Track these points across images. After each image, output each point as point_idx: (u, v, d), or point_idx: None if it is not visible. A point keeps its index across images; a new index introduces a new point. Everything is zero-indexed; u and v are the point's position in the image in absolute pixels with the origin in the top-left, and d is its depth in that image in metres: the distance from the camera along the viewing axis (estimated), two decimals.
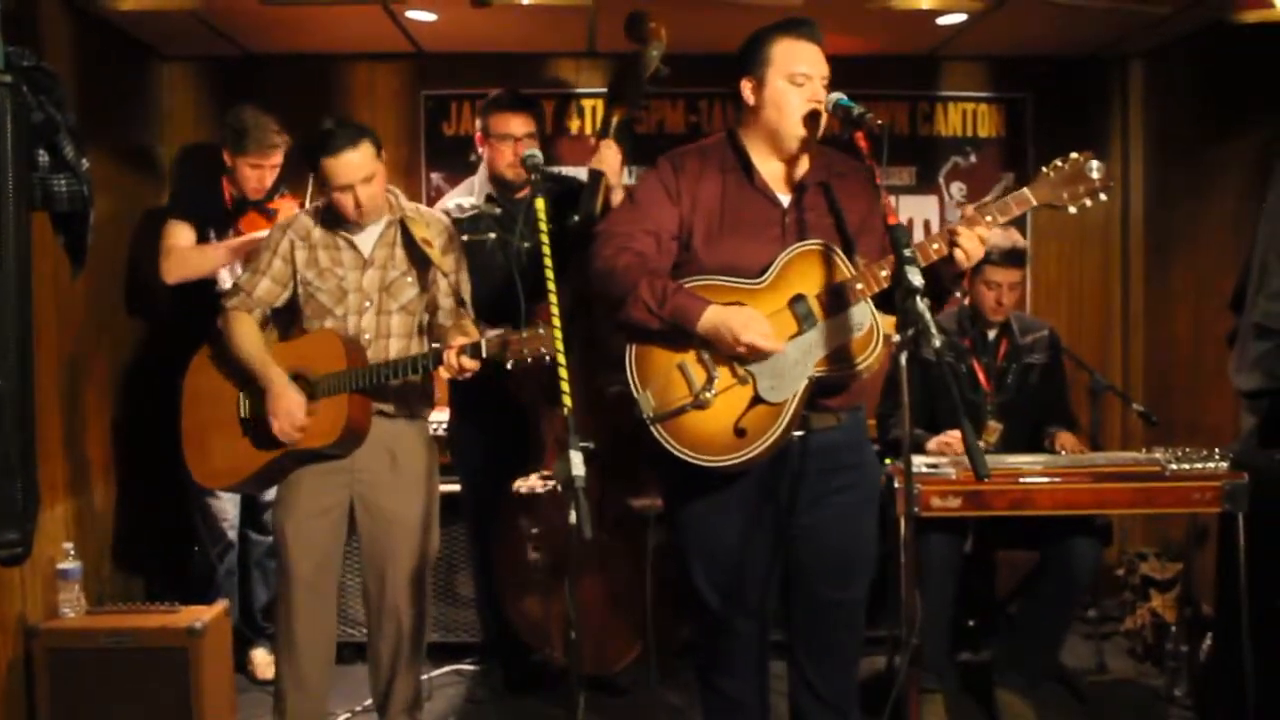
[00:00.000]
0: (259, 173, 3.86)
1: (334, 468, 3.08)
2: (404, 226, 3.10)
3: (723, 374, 2.54)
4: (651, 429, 2.56)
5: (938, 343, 2.20)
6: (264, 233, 3.52)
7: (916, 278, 2.25)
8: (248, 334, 3.09)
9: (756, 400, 2.53)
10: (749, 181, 2.66)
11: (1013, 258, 3.71)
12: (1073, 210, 2.51)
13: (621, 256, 2.60)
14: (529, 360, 2.84)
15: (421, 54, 4.68)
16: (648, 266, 2.60)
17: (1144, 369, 4.90)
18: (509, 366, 2.89)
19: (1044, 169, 2.53)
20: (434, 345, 3.09)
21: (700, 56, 4.26)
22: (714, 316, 2.50)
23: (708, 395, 2.53)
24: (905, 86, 4.87)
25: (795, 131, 2.60)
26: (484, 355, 2.89)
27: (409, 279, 3.10)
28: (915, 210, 4.87)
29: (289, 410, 2.98)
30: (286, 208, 3.88)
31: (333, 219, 3.10)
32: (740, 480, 2.62)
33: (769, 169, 2.68)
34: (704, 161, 2.69)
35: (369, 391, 3.01)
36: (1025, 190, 2.52)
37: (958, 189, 4.90)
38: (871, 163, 2.48)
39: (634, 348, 2.61)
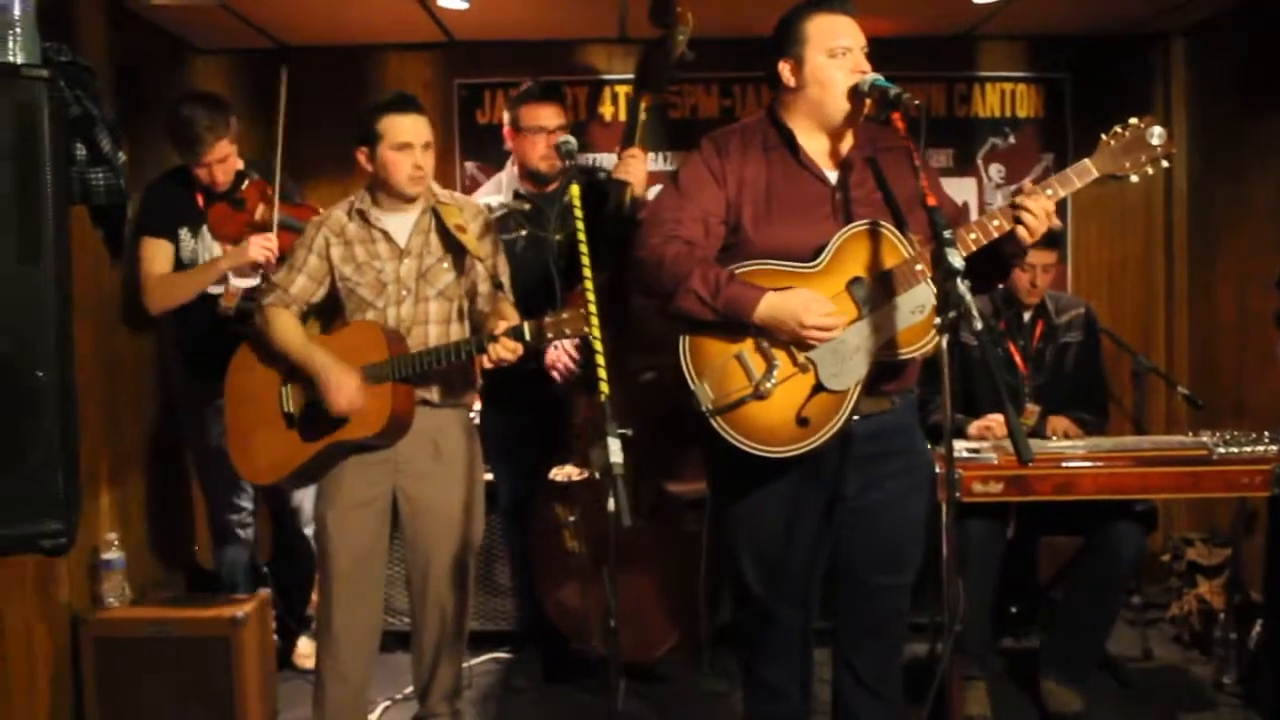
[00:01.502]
0: (206, 170, 3.65)
1: (377, 459, 3.08)
2: (436, 214, 3.09)
3: (783, 363, 2.49)
4: (711, 421, 2.50)
5: (979, 325, 2.16)
6: (254, 248, 3.46)
7: (957, 259, 2.20)
8: (288, 327, 3.09)
9: (819, 388, 2.48)
10: (794, 159, 2.60)
11: (1047, 239, 3.64)
12: (1135, 179, 2.47)
13: (670, 246, 2.53)
14: (556, 345, 2.84)
15: (453, 42, 4.68)
16: (696, 255, 2.53)
17: (1188, 351, 4.82)
18: (568, 365, 2.91)
19: (1104, 137, 2.48)
20: (476, 331, 3.08)
21: (733, 40, 4.24)
22: (771, 305, 2.45)
23: (768, 385, 2.47)
24: (942, 67, 4.81)
25: (841, 105, 2.54)
26: (526, 338, 2.88)
27: (445, 265, 3.10)
28: (953, 192, 4.72)
29: (344, 385, 2.96)
30: (254, 196, 3.69)
31: (365, 211, 3.09)
32: (791, 468, 2.57)
33: (814, 145, 2.61)
34: (746, 141, 2.63)
35: (412, 380, 3.01)
36: (1086, 161, 2.47)
37: (996, 170, 4.84)
38: (909, 143, 2.43)
39: (687, 338, 2.54)
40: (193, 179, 3.70)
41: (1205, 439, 3.27)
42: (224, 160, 3.64)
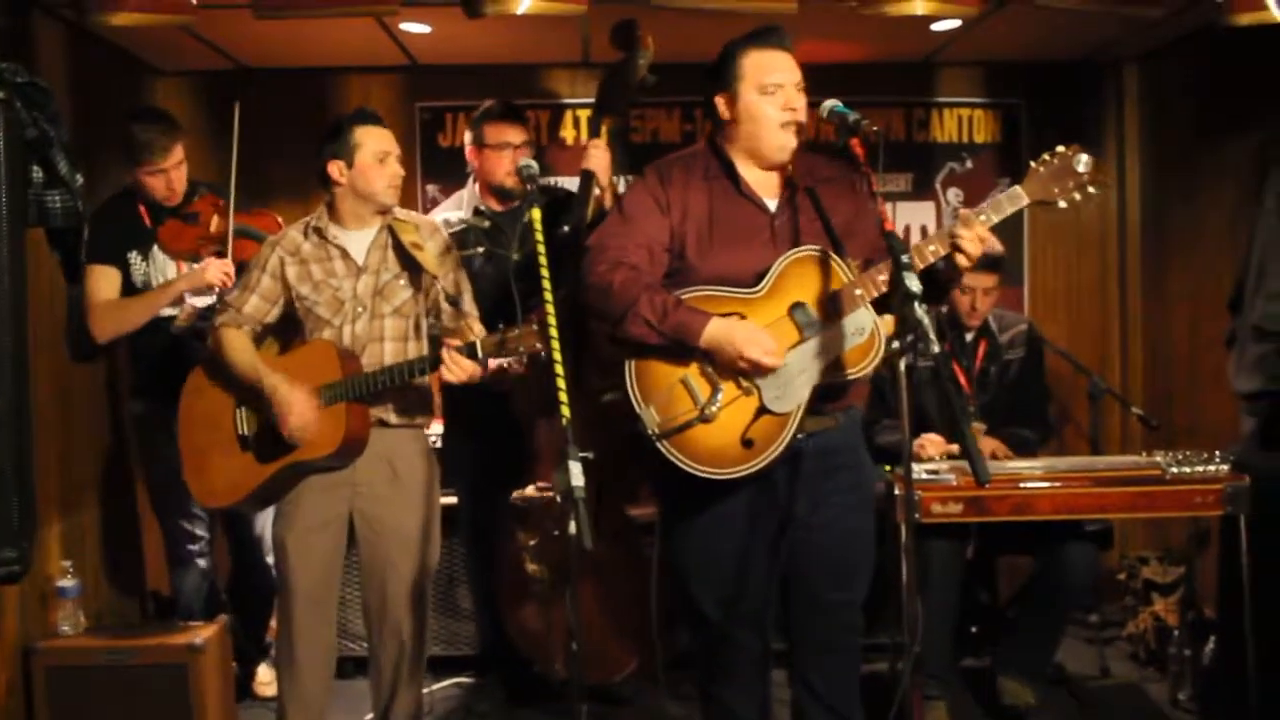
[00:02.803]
0: (163, 178, 3.61)
1: (334, 480, 3.06)
2: (393, 231, 3.09)
3: (727, 387, 2.54)
4: (658, 445, 2.55)
5: (936, 348, 2.20)
6: (211, 271, 3.42)
7: (915, 283, 2.25)
8: (241, 348, 3.07)
9: (763, 411, 2.53)
10: (735, 189, 2.67)
11: (988, 263, 3.72)
12: (1063, 205, 2.51)
13: (617, 272, 2.59)
14: (524, 357, 2.83)
15: (416, 66, 4.69)
16: (643, 281, 2.59)
17: (1143, 372, 4.90)
18: (505, 364, 2.90)
19: (1033, 164, 2.52)
20: (435, 350, 3.06)
21: (694, 65, 4.24)
22: (716, 331, 2.50)
23: (713, 409, 2.53)
24: (901, 92, 4.87)
25: (772, 140, 2.62)
26: (480, 355, 2.87)
27: (401, 282, 3.09)
28: (912, 216, 4.87)
29: (300, 408, 2.95)
30: (207, 209, 3.66)
31: (321, 229, 3.08)
32: (740, 489, 2.61)
33: (753, 176, 2.68)
34: (689, 170, 2.70)
35: (366, 399, 2.99)
36: (1017, 188, 2.51)
37: (954, 195, 4.90)
38: (868, 169, 2.49)
39: (634, 363, 2.60)
40: (137, 200, 3.65)
41: (1159, 459, 3.32)
42: (178, 166, 3.61)
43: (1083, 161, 2.47)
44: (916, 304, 2.22)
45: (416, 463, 3.14)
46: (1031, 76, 4.87)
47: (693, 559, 2.72)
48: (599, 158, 3.49)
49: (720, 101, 2.67)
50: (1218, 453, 3.28)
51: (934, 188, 4.91)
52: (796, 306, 2.55)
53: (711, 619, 2.72)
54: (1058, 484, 3.30)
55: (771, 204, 2.68)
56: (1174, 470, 3.25)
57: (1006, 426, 3.81)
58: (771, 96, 2.60)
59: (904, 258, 2.30)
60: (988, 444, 3.74)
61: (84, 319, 3.62)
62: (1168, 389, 4.67)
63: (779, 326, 2.53)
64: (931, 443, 3.60)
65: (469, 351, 2.87)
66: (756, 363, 2.48)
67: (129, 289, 3.65)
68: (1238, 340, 3.29)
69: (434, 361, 2.91)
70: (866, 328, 2.51)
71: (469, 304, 3.17)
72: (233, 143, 3.52)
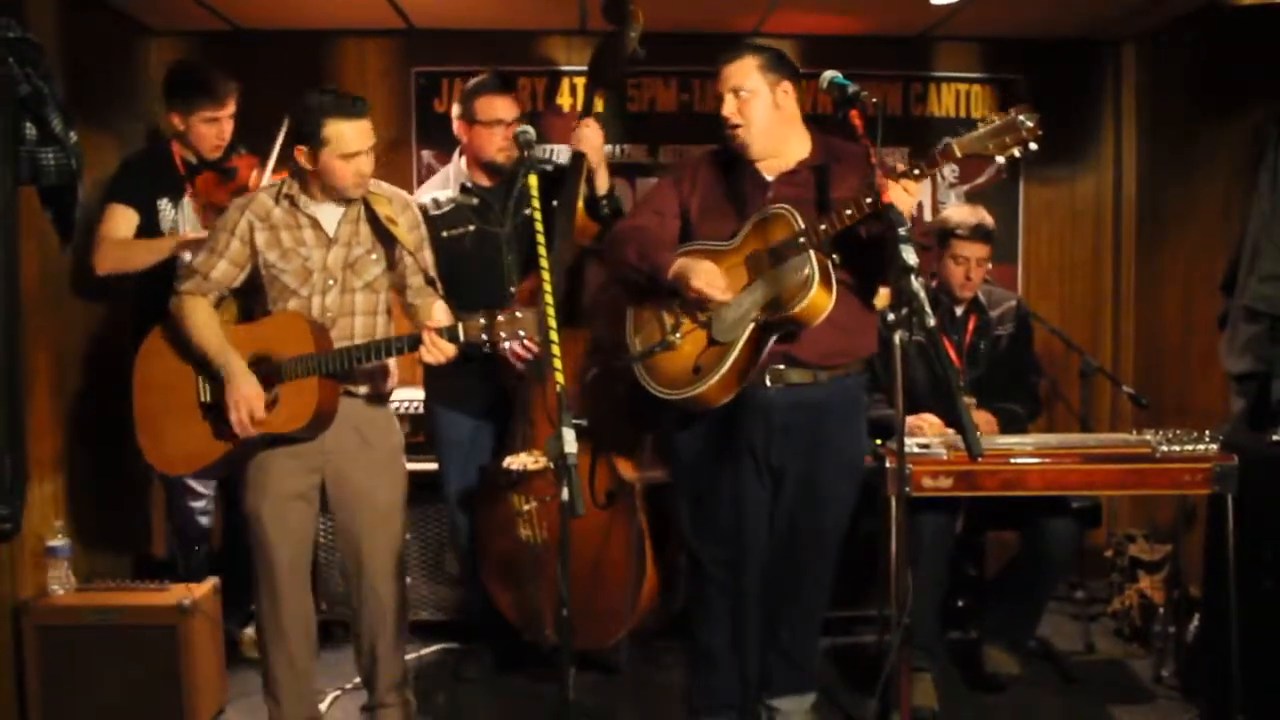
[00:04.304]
0: (216, 126, 3.68)
1: (305, 449, 3.04)
2: (367, 203, 3.04)
3: (686, 320, 2.98)
4: (634, 367, 3.05)
5: (931, 321, 2.22)
6: (204, 234, 3.42)
7: (911, 256, 2.28)
8: (204, 320, 3.01)
9: (712, 342, 2.92)
10: (741, 167, 3.04)
11: (979, 233, 3.74)
12: (1000, 160, 2.63)
13: (623, 229, 3.14)
14: (507, 344, 2.83)
15: (412, 30, 4.65)
16: (641, 235, 3.05)
17: (1134, 351, 4.91)
18: (486, 350, 2.89)
19: (977, 121, 2.63)
20: (415, 328, 3.02)
21: (692, 35, 4.25)
22: (680, 266, 2.93)
23: (673, 338, 2.97)
24: (898, 67, 4.84)
25: (762, 140, 3.00)
26: (461, 339, 2.85)
27: (373, 256, 3.05)
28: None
29: (249, 400, 2.92)
30: (246, 165, 3.73)
31: (293, 197, 3.03)
32: (725, 430, 2.99)
33: (763, 160, 3.03)
34: (708, 155, 3.15)
35: (339, 376, 2.97)
36: (950, 140, 2.66)
37: (950, 170, 4.89)
38: (867, 141, 2.54)
39: (632, 307, 3.12)
40: (173, 149, 3.74)
41: (1149, 437, 3.33)
42: (231, 117, 3.72)
43: (1025, 120, 2.55)
44: (913, 277, 2.24)
45: (386, 429, 3.15)
46: (1030, 52, 4.85)
47: (684, 487, 3.15)
48: (590, 137, 3.53)
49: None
50: (1207, 432, 3.30)
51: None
52: (753, 254, 2.89)
53: (696, 554, 3.12)
54: (1048, 460, 3.31)
55: (770, 178, 3.02)
56: (1163, 449, 3.27)
57: (995, 401, 3.82)
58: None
59: (902, 230, 2.32)
60: (979, 417, 3.76)
61: (90, 252, 3.67)
62: (1159, 368, 4.68)
63: (734, 271, 2.91)
64: (930, 424, 3.60)
65: (450, 335, 2.85)
66: (701, 292, 2.85)
67: (150, 233, 3.70)
68: (1230, 320, 3.30)
69: (414, 341, 2.89)
70: (801, 270, 2.78)
71: (436, 281, 3.11)
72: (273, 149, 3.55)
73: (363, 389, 3.08)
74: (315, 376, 2.93)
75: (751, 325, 2.85)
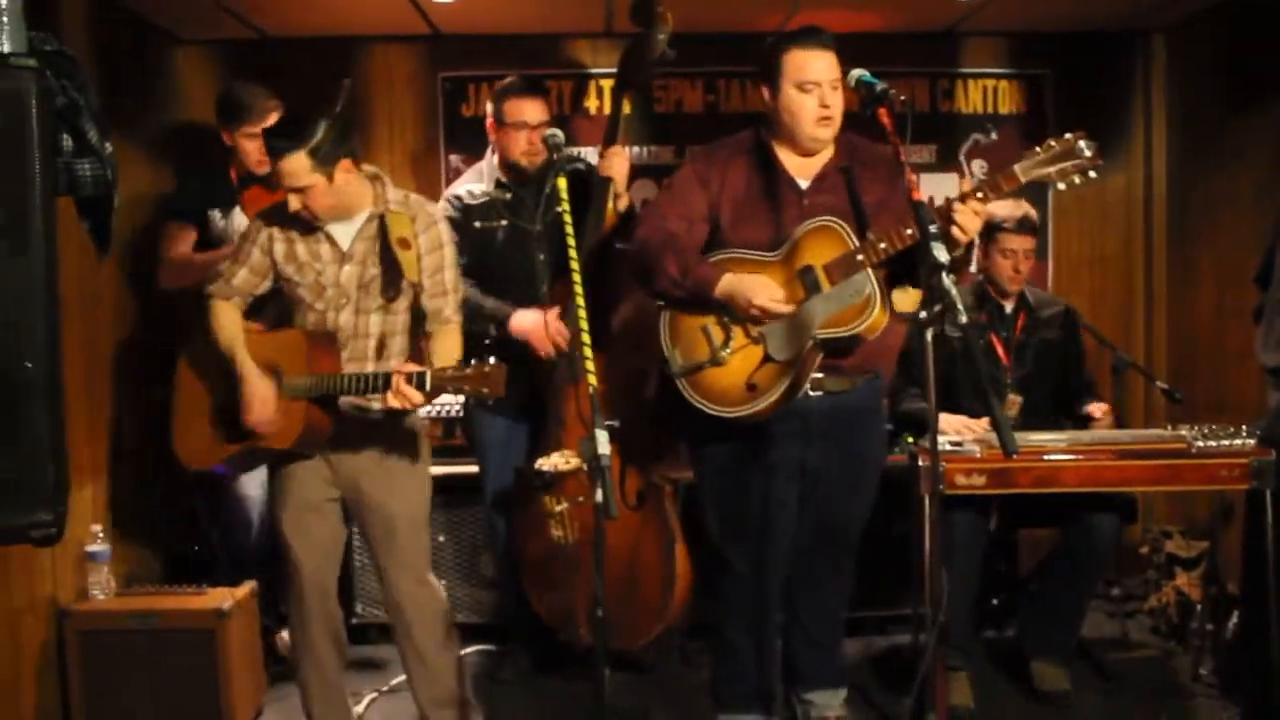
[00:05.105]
0: (258, 141, 3.70)
1: (321, 462, 3.04)
2: (384, 223, 2.96)
3: (738, 335, 2.88)
4: (677, 383, 2.92)
5: (963, 318, 2.22)
6: None
7: (942, 254, 2.29)
8: (226, 322, 3.04)
9: (767, 359, 2.84)
10: (773, 169, 2.96)
11: (1025, 225, 3.73)
12: (1061, 186, 2.65)
13: (654, 236, 2.95)
14: (473, 398, 2.76)
15: (439, 35, 4.68)
16: (676, 244, 2.92)
17: (1167, 345, 4.87)
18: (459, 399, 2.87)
19: (1037, 148, 2.65)
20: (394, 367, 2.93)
21: (718, 36, 4.25)
22: (729, 283, 2.83)
23: (724, 354, 2.87)
24: (925, 63, 4.83)
25: (806, 132, 2.90)
26: (427, 386, 2.75)
27: (388, 278, 2.98)
28: (936, 188, 4.83)
29: (262, 400, 2.94)
30: None
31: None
32: (760, 436, 2.93)
33: (792, 162, 2.97)
34: (733, 152, 3.02)
35: (324, 402, 2.94)
36: (1014, 167, 2.66)
37: (979, 166, 4.86)
38: (895, 139, 2.53)
39: (667, 314, 2.98)
40: (230, 160, 3.85)
41: (1184, 432, 3.30)
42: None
43: (1085, 147, 2.61)
44: (944, 275, 2.24)
45: (404, 444, 3.07)
46: (1058, 46, 4.82)
47: (712, 495, 3.10)
48: (618, 165, 3.55)
49: (765, 91, 2.97)
50: (1244, 427, 3.26)
51: (959, 159, 4.88)
52: (805, 269, 2.81)
53: (726, 557, 3.09)
54: (1081, 457, 3.28)
55: (804, 183, 2.96)
56: (1199, 444, 3.24)
57: (1044, 403, 3.80)
58: (810, 94, 2.86)
59: (932, 228, 2.32)
60: (1096, 408, 3.72)
61: (155, 268, 3.83)
62: (1192, 362, 4.64)
63: (789, 286, 2.82)
64: (966, 425, 3.58)
65: (418, 381, 2.75)
66: (764, 308, 2.77)
67: (205, 243, 3.82)
68: (1266, 313, 3.26)
69: (386, 380, 2.80)
70: (864, 290, 2.74)
71: (451, 309, 3.04)
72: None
73: (376, 407, 2.98)
74: (304, 400, 2.92)
75: (811, 343, 2.79)
